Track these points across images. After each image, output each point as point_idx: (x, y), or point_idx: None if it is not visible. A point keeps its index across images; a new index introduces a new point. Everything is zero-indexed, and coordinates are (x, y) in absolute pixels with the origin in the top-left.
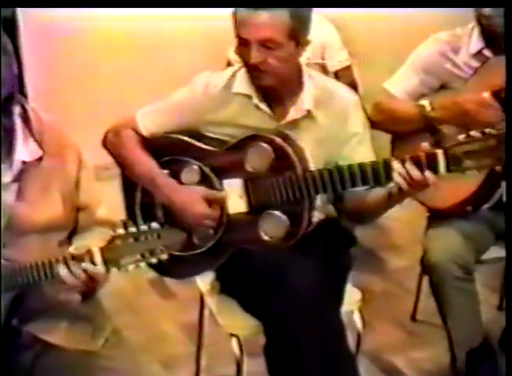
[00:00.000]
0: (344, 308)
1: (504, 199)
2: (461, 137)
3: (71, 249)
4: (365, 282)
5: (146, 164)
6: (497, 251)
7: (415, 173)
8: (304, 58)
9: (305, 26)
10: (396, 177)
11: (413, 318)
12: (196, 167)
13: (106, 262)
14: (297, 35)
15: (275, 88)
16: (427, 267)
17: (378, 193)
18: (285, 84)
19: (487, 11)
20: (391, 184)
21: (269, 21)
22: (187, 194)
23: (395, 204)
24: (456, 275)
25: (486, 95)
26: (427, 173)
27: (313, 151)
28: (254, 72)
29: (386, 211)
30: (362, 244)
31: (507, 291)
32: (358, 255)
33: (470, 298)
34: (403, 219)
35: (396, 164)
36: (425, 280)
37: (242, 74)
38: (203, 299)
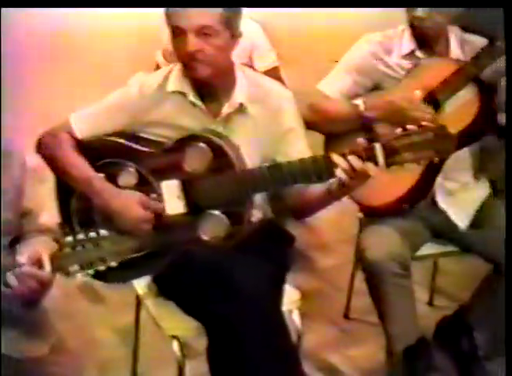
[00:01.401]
0: (284, 308)
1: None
2: (398, 130)
3: (20, 256)
4: (298, 281)
5: (81, 167)
6: (429, 248)
7: (357, 164)
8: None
9: (238, 16)
10: (338, 171)
11: (346, 316)
12: (132, 169)
13: (55, 270)
14: (231, 24)
15: (210, 82)
16: (364, 265)
17: (318, 188)
18: (219, 78)
19: (419, 12)
20: (331, 180)
21: (205, 9)
22: (123, 198)
23: (336, 199)
24: (394, 271)
25: (418, 92)
26: (368, 164)
27: (249, 147)
28: (189, 63)
29: (326, 206)
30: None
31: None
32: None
33: (407, 294)
34: (332, 219)
35: (337, 158)
36: (357, 279)
37: (176, 73)
38: (139, 302)
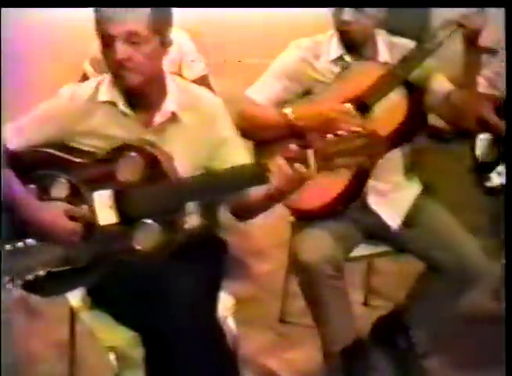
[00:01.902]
0: (219, 314)
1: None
2: (330, 136)
3: None
4: (233, 288)
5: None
6: (362, 249)
7: (292, 169)
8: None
9: (168, 23)
10: (273, 177)
11: (282, 320)
12: (64, 180)
13: None
14: (161, 31)
15: (141, 91)
16: (298, 269)
17: (258, 192)
18: (150, 87)
19: (345, 17)
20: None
21: (132, 15)
22: (50, 211)
23: (275, 203)
24: (327, 274)
25: (348, 105)
26: (303, 168)
27: (183, 155)
28: (119, 71)
29: (266, 209)
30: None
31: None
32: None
33: (341, 295)
34: (265, 224)
35: (272, 164)
36: (291, 282)
37: (107, 83)
38: (73, 315)
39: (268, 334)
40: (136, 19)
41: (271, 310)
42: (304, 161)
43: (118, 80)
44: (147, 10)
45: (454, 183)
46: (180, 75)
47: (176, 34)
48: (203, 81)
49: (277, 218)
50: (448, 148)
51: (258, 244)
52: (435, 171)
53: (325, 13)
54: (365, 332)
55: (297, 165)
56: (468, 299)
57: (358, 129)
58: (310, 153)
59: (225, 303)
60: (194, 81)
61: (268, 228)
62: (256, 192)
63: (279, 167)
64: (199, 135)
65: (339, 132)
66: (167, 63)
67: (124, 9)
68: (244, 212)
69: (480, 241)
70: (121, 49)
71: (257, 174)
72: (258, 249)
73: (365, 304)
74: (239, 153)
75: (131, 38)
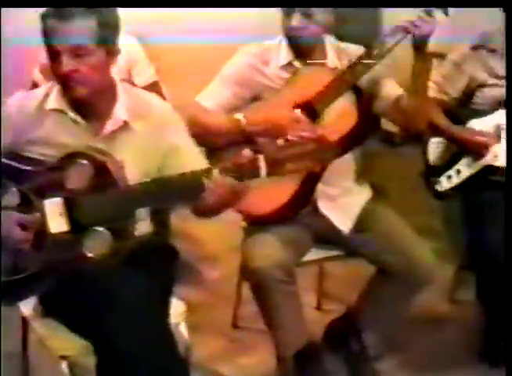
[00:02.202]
0: (171, 321)
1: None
2: (280, 142)
3: None
4: (185, 294)
5: None
6: (314, 253)
7: (236, 181)
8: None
9: (114, 33)
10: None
11: (235, 325)
12: (15, 189)
13: None
14: (106, 42)
15: (90, 101)
16: (249, 274)
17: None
18: (99, 96)
19: (294, 22)
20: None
21: (77, 28)
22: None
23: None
24: (278, 279)
25: (298, 111)
26: (249, 176)
27: (134, 163)
28: (66, 83)
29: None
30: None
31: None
32: (179, 268)
33: (292, 300)
34: (218, 230)
35: (217, 173)
36: (244, 288)
37: (56, 91)
38: (25, 325)
39: (221, 339)
40: (82, 32)
41: (223, 316)
42: (254, 169)
43: (65, 91)
44: (93, 22)
45: (406, 187)
46: (130, 82)
47: (125, 40)
48: (153, 87)
49: (229, 223)
50: (400, 152)
51: (211, 249)
52: (388, 175)
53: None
54: (319, 336)
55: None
56: (420, 301)
57: (307, 135)
58: (261, 158)
59: (176, 309)
60: (144, 88)
61: (221, 233)
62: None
63: (225, 176)
64: (149, 142)
65: (289, 138)
66: (116, 70)
67: (69, 22)
68: (203, 212)
69: (432, 244)
70: (67, 62)
71: (204, 181)
72: (211, 254)
73: (318, 308)
74: (191, 160)
75: (77, 51)
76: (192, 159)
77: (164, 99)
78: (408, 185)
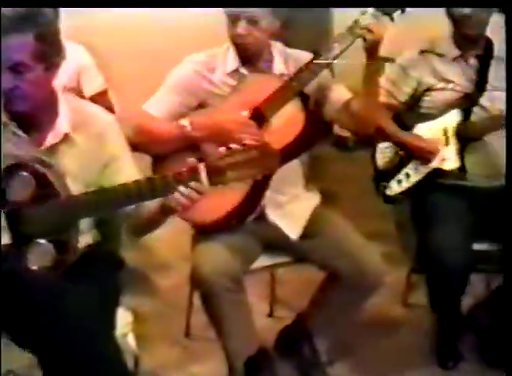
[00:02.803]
0: (118, 331)
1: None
2: (222, 150)
3: None
4: (136, 304)
5: None
6: (264, 260)
7: (180, 188)
8: (59, 83)
9: (53, 48)
10: (163, 193)
11: (187, 334)
12: None
13: None
14: (45, 57)
15: (31, 115)
16: (196, 283)
17: (150, 208)
18: (40, 110)
19: (240, 30)
20: (159, 200)
21: (16, 44)
22: None
23: (165, 219)
24: (226, 287)
25: (245, 113)
26: (193, 186)
27: (77, 174)
28: (6, 99)
29: (158, 226)
30: (129, 266)
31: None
32: (127, 278)
33: (241, 308)
34: (169, 238)
35: (161, 181)
36: (195, 296)
37: None
38: None
39: (173, 348)
40: (21, 48)
41: (176, 324)
42: (196, 178)
43: (7, 105)
44: (30, 37)
45: (359, 191)
46: (79, 91)
47: (73, 49)
48: (102, 96)
49: (180, 231)
50: (353, 156)
51: (163, 257)
52: (341, 179)
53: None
54: (271, 343)
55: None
56: (373, 305)
57: (249, 142)
58: (202, 167)
59: (124, 320)
60: (93, 97)
61: (172, 241)
62: (149, 207)
63: (170, 184)
64: (90, 154)
65: (231, 146)
66: (65, 79)
67: (5, 38)
68: (138, 228)
69: (385, 247)
70: (6, 79)
71: (148, 189)
72: (163, 263)
73: (271, 315)
74: (126, 171)
75: (16, 68)
76: (126, 170)
77: (113, 107)
78: (361, 189)
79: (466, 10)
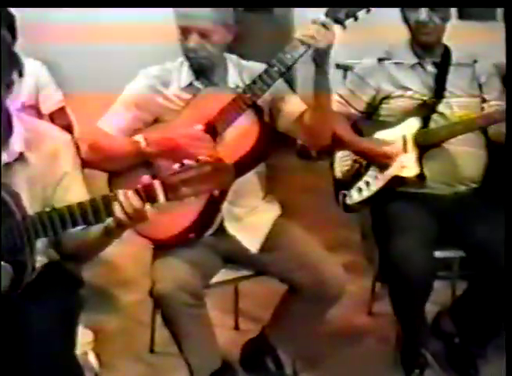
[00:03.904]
0: (78, 350)
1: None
2: (176, 166)
3: None
4: (98, 321)
5: None
6: (225, 274)
7: (136, 203)
8: (18, 101)
9: (6, 66)
10: (117, 211)
11: (151, 350)
12: None
13: None
14: None
15: None
16: (156, 299)
17: (96, 229)
18: None
19: (191, 45)
20: (109, 219)
21: None
22: None
23: (115, 238)
24: (185, 302)
25: (199, 127)
26: (147, 206)
27: (29, 194)
28: None
29: (106, 246)
30: (92, 283)
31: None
32: (89, 295)
33: (202, 323)
34: (129, 254)
35: (115, 199)
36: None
37: None
38: None
39: (138, 365)
40: None
41: (140, 341)
42: (151, 194)
43: None
44: None
45: (323, 200)
46: (37, 108)
47: (32, 66)
48: (60, 113)
49: (143, 246)
50: (316, 166)
51: (124, 273)
52: (304, 189)
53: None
54: (236, 356)
55: (139, 202)
56: (338, 315)
57: (203, 158)
58: (157, 184)
59: (84, 338)
60: (51, 114)
61: (135, 256)
62: (94, 228)
63: (124, 201)
64: (44, 173)
65: (185, 161)
66: (23, 98)
67: None
68: (82, 252)
69: (349, 256)
70: None
71: (101, 208)
72: (125, 279)
73: (236, 328)
74: (76, 191)
75: None
76: (76, 190)
77: (72, 125)
78: (325, 198)
79: (422, 17)
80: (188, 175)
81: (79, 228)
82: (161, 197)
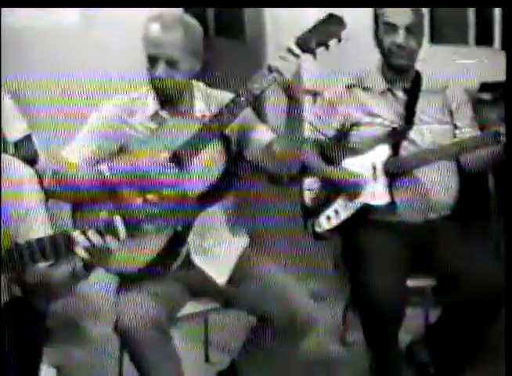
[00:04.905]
0: None
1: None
2: (138, 201)
3: None
4: (65, 356)
5: None
6: (193, 307)
7: (96, 241)
8: None
9: None
10: (78, 249)
11: None
12: None
13: None
14: None
15: None
16: (120, 333)
17: (63, 269)
18: None
19: (159, 73)
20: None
21: None
22: None
23: (82, 279)
24: (150, 336)
25: (165, 155)
26: (109, 239)
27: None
28: None
29: (74, 285)
30: (59, 314)
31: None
32: (56, 327)
33: (168, 357)
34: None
35: (77, 235)
36: None
37: None
38: None
39: None
40: None
41: (109, 374)
42: (112, 230)
43: None
44: None
45: (296, 226)
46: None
47: None
48: (26, 141)
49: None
50: (287, 191)
51: (93, 304)
52: (275, 215)
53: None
54: None
55: (100, 238)
56: (311, 344)
57: (165, 193)
58: (117, 219)
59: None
60: (16, 142)
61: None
62: (61, 268)
63: (84, 239)
64: (6, 210)
65: (147, 196)
66: None
67: None
68: (49, 294)
69: (321, 283)
70: None
71: (61, 246)
72: (93, 310)
73: (207, 360)
74: (39, 227)
75: None
76: (42, 227)
77: (37, 153)
78: (297, 224)
79: (399, 40)
80: (149, 211)
81: (44, 265)
82: (122, 233)
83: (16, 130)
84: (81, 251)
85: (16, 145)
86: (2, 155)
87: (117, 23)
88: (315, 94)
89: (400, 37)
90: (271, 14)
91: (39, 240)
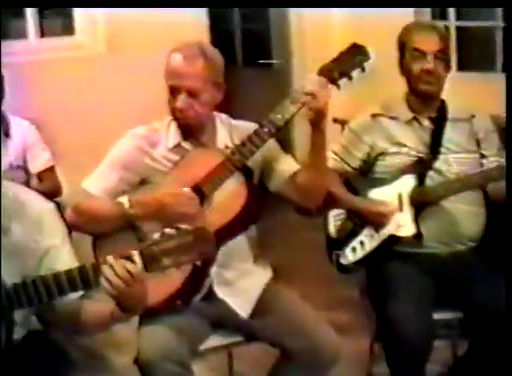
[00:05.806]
0: None
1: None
2: (156, 235)
3: None
4: None
5: None
6: (217, 340)
7: (121, 271)
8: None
9: None
10: (104, 282)
11: None
12: None
13: None
14: None
15: None
16: (140, 367)
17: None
18: None
19: (179, 105)
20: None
21: None
22: None
23: (120, 321)
24: (170, 371)
25: (186, 189)
26: (132, 269)
27: (12, 265)
28: None
29: (108, 325)
30: (83, 344)
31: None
32: (80, 357)
33: None
34: None
35: (103, 268)
36: None
37: None
38: None
39: None
40: None
41: None
42: (131, 262)
43: None
44: None
45: (322, 257)
46: (25, 168)
47: (19, 126)
48: (48, 173)
49: None
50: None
51: (118, 335)
52: (303, 246)
53: None
54: None
55: (122, 268)
56: None
57: (183, 227)
58: (136, 254)
59: None
60: (39, 174)
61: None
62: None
63: (110, 270)
64: (26, 244)
65: (165, 230)
66: (11, 159)
67: None
68: (80, 327)
69: (348, 315)
70: None
71: (89, 276)
72: (119, 341)
73: None
74: (65, 259)
75: None
76: (67, 258)
77: (59, 185)
78: (323, 255)
79: (429, 65)
80: (168, 244)
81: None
82: (140, 268)
83: (38, 161)
84: (105, 284)
85: (39, 175)
86: (21, 187)
87: (140, 53)
88: (343, 121)
89: (429, 63)
90: (298, 40)
91: (67, 272)
